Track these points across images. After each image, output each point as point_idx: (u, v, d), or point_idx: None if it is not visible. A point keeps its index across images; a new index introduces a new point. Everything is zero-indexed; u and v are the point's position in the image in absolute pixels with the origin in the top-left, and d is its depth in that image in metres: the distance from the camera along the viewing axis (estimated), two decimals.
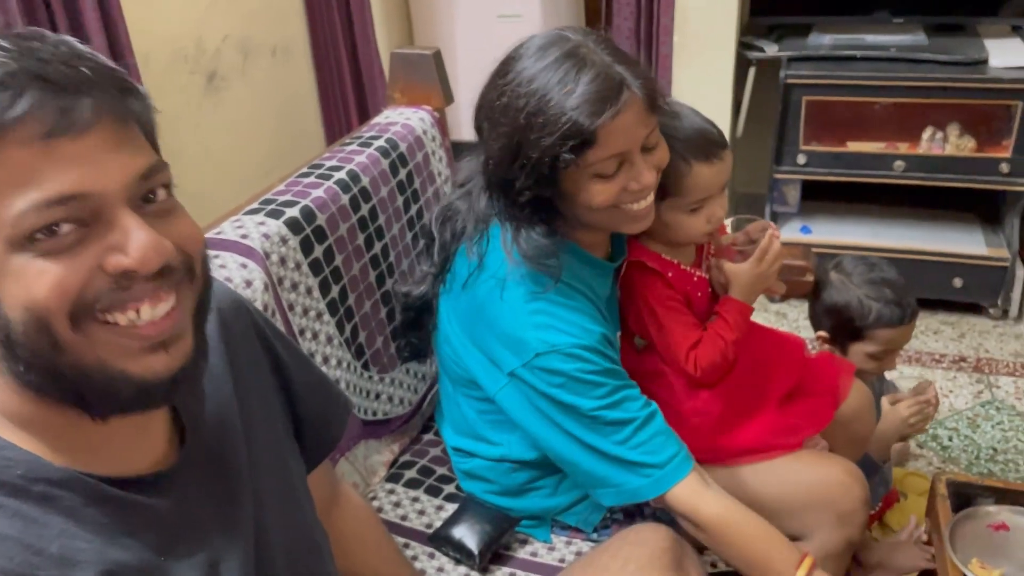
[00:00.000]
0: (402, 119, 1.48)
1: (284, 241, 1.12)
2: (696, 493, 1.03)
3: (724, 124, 2.46)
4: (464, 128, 2.71)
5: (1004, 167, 2.22)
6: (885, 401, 1.53)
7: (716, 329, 1.21)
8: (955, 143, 2.28)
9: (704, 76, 2.44)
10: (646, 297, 1.21)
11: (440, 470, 1.34)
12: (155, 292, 0.57)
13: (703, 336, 1.21)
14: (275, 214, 1.15)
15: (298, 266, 1.14)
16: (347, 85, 2.83)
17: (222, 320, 0.75)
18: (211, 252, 1.06)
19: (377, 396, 1.32)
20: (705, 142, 1.15)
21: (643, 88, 0.98)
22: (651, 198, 1.06)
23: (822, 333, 1.54)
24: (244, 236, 1.09)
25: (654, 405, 1.05)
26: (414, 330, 1.27)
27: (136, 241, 0.55)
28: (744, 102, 2.48)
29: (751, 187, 2.71)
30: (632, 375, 1.08)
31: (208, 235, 1.10)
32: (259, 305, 1.04)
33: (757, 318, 1.32)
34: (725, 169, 1.17)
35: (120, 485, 0.61)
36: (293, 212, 1.16)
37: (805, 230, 2.50)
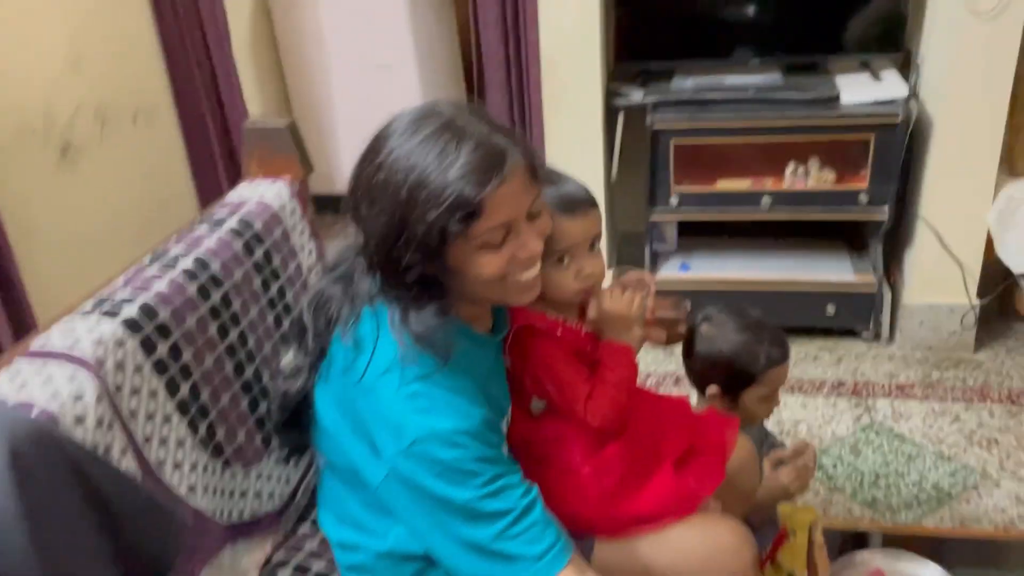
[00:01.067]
0: (256, 195, 1.42)
1: (120, 344, 1.04)
2: None
3: (598, 169, 2.50)
4: (346, 182, 2.65)
5: (863, 197, 2.33)
6: (767, 466, 1.54)
7: (600, 373, 1.23)
8: (816, 176, 2.38)
9: (575, 124, 2.47)
10: (541, 357, 1.22)
11: (317, 565, 1.27)
12: None
13: (593, 383, 1.22)
14: (110, 315, 1.07)
15: (139, 369, 1.06)
16: (216, 147, 2.73)
17: (15, 458, 0.68)
18: (36, 365, 0.99)
19: (243, 494, 1.24)
20: (568, 200, 1.17)
21: (524, 155, 0.98)
22: (538, 266, 1.05)
23: (713, 389, 1.53)
24: (73, 345, 1.00)
25: (534, 492, 1.01)
26: (294, 427, 1.19)
27: None
28: (616, 147, 2.52)
29: (631, 226, 2.76)
30: (530, 443, 1.05)
31: (34, 348, 1.02)
32: (92, 419, 0.96)
33: (650, 358, 1.32)
34: (588, 224, 1.19)
35: None
36: (131, 311, 1.08)
37: (684, 268, 2.55)
